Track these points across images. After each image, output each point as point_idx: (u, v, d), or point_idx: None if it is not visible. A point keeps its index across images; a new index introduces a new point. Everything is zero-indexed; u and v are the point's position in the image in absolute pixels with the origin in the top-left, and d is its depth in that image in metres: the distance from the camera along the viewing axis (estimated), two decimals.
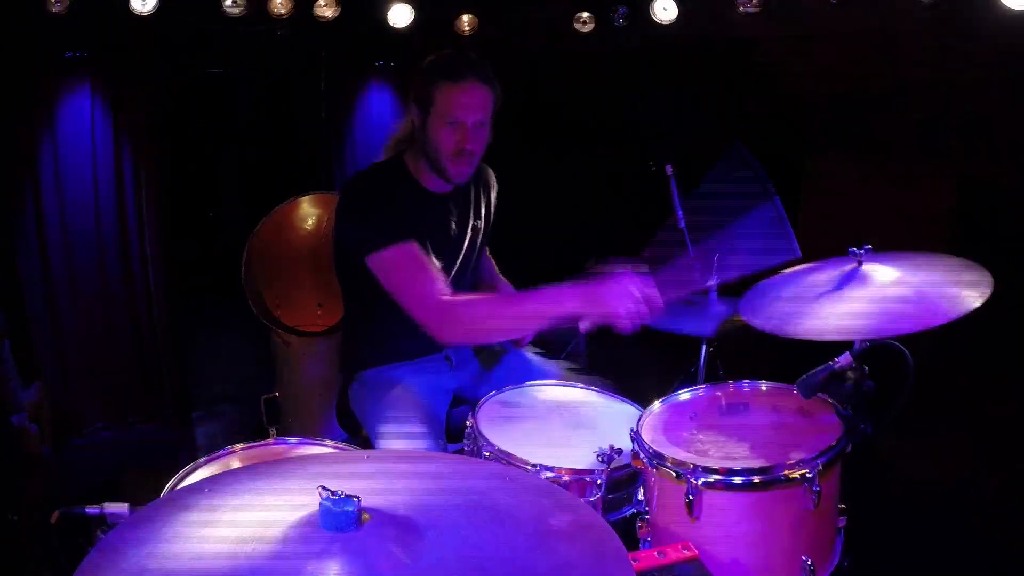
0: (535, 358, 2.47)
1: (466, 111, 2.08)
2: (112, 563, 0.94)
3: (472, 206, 2.34)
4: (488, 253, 2.59)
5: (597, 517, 1.11)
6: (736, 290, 2.13)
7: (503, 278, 2.61)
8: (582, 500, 1.67)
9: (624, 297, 1.84)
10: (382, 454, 1.85)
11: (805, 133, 4.30)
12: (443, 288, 2.01)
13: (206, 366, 4.45)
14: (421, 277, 2.02)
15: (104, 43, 3.45)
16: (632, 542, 1.73)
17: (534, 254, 2.81)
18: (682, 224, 2.93)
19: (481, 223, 2.39)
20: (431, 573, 0.93)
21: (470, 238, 2.34)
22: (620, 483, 1.78)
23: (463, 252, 2.32)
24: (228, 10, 3.41)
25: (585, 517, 1.08)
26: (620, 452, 1.75)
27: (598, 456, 1.74)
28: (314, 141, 4.77)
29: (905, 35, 3.07)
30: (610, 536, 1.04)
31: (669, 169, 2.95)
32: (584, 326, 1.90)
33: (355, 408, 2.30)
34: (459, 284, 2.32)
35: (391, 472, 1.20)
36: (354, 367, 2.34)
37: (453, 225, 2.27)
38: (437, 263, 2.19)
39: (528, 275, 2.56)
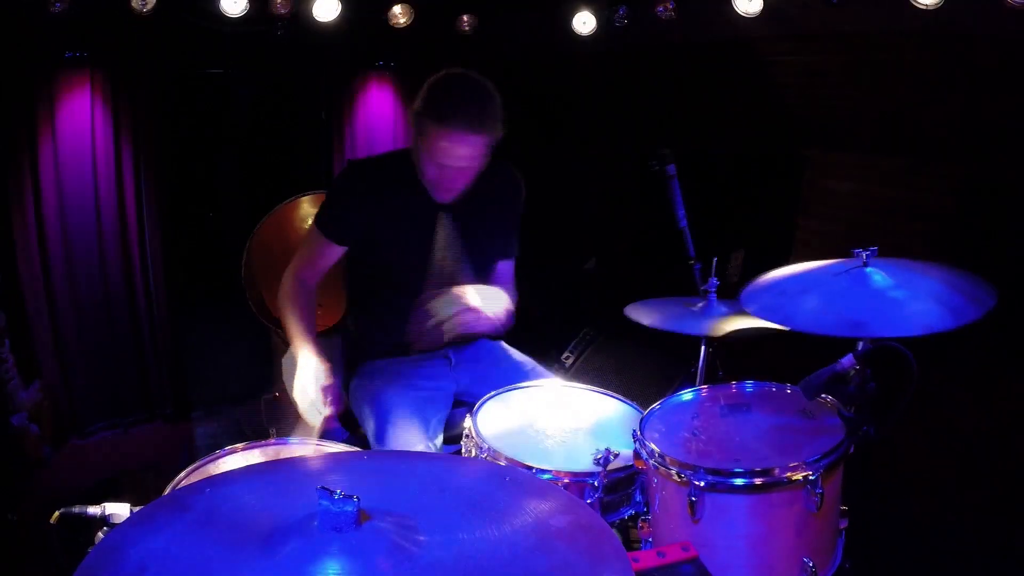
0: (535, 361, 2.46)
1: (449, 157, 2.03)
2: (113, 562, 0.94)
3: (487, 208, 2.31)
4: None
5: (597, 518, 1.11)
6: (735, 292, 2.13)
7: (512, 288, 2.50)
8: (582, 500, 1.67)
9: (301, 387, 2.00)
10: (382, 454, 1.85)
11: (805, 133, 4.29)
12: (303, 271, 2.25)
13: (206, 366, 4.44)
14: (304, 253, 2.26)
15: (104, 43, 3.45)
16: (630, 544, 1.73)
17: (533, 254, 2.79)
18: (683, 224, 2.93)
19: (499, 231, 2.36)
20: (430, 573, 0.93)
21: (481, 239, 2.31)
22: (618, 485, 1.78)
23: (470, 250, 2.29)
24: (228, 10, 3.41)
25: (585, 518, 1.08)
26: (617, 455, 1.74)
27: (595, 459, 1.74)
28: (314, 141, 4.77)
29: (905, 35, 3.06)
30: (610, 537, 1.03)
31: (671, 169, 2.94)
32: None
33: (354, 404, 2.30)
34: (467, 283, 2.29)
35: (390, 472, 1.20)
36: (354, 362, 2.34)
37: (456, 224, 2.24)
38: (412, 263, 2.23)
39: (528, 275, 2.55)
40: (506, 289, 2.42)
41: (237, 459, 1.76)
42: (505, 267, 2.46)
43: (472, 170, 2.11)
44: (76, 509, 1.44)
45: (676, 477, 1.59)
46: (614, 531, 1.83)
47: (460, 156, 2.03)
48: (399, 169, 2.19)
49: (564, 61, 4.66)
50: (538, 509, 1.09)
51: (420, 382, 2.24)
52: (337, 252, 2.24)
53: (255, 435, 1.90)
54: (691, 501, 1.56)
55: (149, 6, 3.26)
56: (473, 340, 2.43)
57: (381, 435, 2.08)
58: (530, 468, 1.73)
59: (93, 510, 1.44)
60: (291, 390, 2.02)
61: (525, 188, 2.44)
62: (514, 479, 1.20)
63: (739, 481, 1.55)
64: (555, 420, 2.01)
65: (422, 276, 2.22)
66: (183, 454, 3.68)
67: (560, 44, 4.33)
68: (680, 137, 4.45)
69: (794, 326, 1.73)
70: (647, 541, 1.71)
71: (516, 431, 1.93)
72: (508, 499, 1.11)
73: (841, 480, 1.67)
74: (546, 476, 1.72)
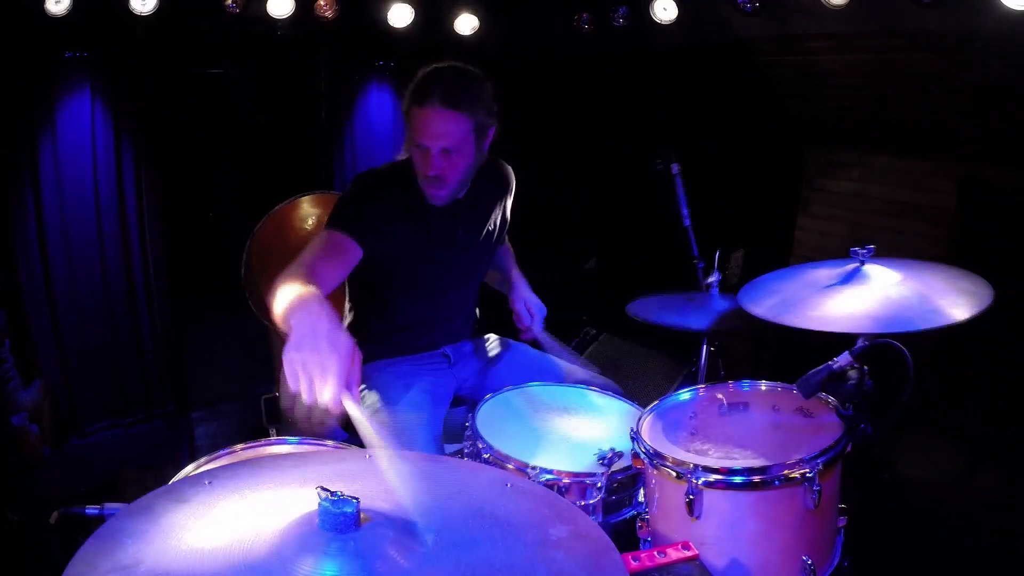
0: (536, 356, 2.47)
1: (426, 137, 2.01)
2: (109, 553, 0.94)
3: (484, 209, 2.33)
4: (508, 242, 2.57)
5: (596, 527, 1.10)
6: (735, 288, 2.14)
7: (517, 268, 2.55)
8: (582, 509, 1.67)
9: (294, 364, 1.59)
10: (382, 454, 1.84)
11: (805, 133, 4.29)
12: (303, 267, 1.88)
13: (206, 366, 4.44)
14: (309, 250, 1.97)
15: (104, 43, 3.45)
16: (632, 544, 1.73)
17: (533, 253, 2.80)
18: (687, 223, 2.93)
19: (495, 228, 2.38)
20: None
21: (481, 240, 2.33)
22: (620, 485, 1.78)
23: (471, 253, 2.31)
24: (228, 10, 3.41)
25: (584, 527, 1.08)
26: (620, 455, 1.75)
27: (598, 459, 1.74)
28: (314, 141, 4.77)
29: (905, 35, 3.07)
30: (608, 547, 1.04)
31: (675, 168, 2.95)
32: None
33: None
34: (467, 283, 2.34)
35: (391, 474, 1.20)
36: None
37: (458, 229, 2.25)
38: (424, 266, 2.21)
39: (527, 274, 2.56)
40: (505, 260, 2.53)
41: (236, 459, 1.76)
42: (502, 248, 2.52)
43: (455, 163, 2.07)
44: (76, 509, 1.43)
45: (674, 476, 1.60)
46: (617, 532, 1.84)
47: (434, 134, 2.00)
48: (400, 177, 2.19)
49: (565, 61, 4.67)
50: (538, 517, 1.09)
51: (420, 381, 2.25)
52: (351, 254, 2.03)
53: (255, 435, 1.88)
54: (689, 500, 1.56)
55: (149, 6, 3.27)
56: (472, 337, 2.44)
57: (380, 435, 2.08)
58: (532, 467, 1.73)
59: (93, 510, 1.44)
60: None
61: (516, 180, 2.45)
62: (516, 485, 1.20)
63: (737, 479, 1.55)
64: (556, 420, 2.02)
65: (422, 279, 2.23)
66: (183, 454, 3.68)
67: (561, 44, 4.33)
68: (680, 137, 4.45)
69: (792, 324, 1.74)
70: (646, 540, 1.71)
71: (517, 430, 1.93)
72: (509, 505, 1.11)
73: (839, 478, 1.67)
74: (547, 476, 1.72)
